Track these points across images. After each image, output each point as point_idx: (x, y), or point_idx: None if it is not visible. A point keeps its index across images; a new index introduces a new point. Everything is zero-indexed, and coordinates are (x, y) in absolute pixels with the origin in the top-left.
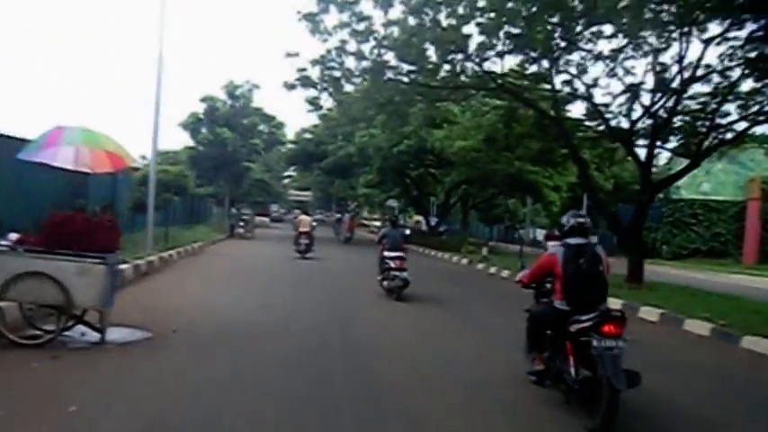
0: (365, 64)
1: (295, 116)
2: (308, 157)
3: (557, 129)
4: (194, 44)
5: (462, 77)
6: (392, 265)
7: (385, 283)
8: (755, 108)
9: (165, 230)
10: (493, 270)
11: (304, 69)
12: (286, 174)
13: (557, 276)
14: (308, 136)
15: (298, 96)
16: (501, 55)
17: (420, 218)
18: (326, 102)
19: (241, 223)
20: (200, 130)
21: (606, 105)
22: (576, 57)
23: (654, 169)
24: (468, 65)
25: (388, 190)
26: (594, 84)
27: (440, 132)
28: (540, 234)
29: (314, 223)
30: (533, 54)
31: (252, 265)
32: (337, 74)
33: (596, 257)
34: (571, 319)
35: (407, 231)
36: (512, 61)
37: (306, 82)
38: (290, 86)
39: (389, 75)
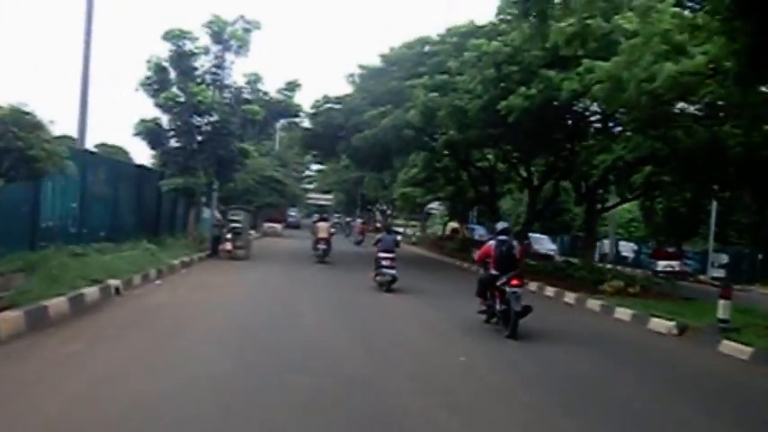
0: None
1: (314, 82)
2: (330, 137)
3: None
4: None
5: None
6: (384, 263)
7: (378, 278)
8: None
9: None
10: None
11: None
12: (306, 174)
13: (491, 256)
14: (334, 106)
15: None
16: None
17: (456, 224)
18: None
19: (229, 235)
20: (168, 89)
21: None
22: None
23: None
24: None
25: (437, 189)
26: None
27: (600, 66)
28: (627, 249)
29: (332, 230)
30: None
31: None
32: None
33: (511, 247)
34: (498, 279)
35: (399, 237)
36: None
37: None
38: None
39: None
